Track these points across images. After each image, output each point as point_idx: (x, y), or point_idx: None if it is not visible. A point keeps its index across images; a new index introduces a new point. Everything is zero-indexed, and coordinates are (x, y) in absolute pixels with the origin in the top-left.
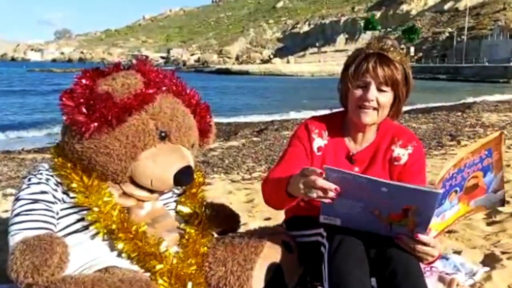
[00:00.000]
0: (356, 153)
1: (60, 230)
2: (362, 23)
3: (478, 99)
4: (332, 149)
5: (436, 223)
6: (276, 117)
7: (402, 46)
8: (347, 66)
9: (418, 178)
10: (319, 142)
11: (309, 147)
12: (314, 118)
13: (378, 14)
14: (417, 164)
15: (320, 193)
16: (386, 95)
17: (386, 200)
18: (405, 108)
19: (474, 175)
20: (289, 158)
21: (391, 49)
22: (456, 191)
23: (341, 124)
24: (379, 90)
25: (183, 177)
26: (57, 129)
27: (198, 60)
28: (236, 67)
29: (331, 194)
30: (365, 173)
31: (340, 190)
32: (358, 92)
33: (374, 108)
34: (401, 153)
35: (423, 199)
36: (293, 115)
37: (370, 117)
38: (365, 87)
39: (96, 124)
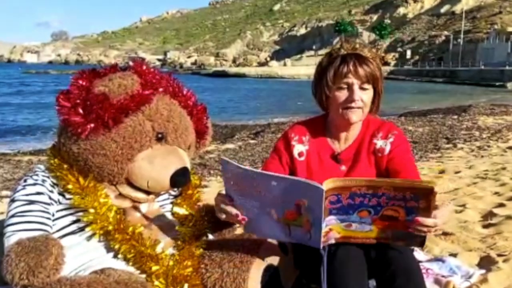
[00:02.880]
0: (341, 152)
1: (56, 232)
2: (337, 24)
3: (474, 102)
4: (316, 152)
5: (339, 226)
6: (273, 119)
7: (399, 49)
8: (322, 70)
9: (405, 162)
10: (299, 148)
11: (288, 156)
12: (295, 124)
13: (375, 17)
14: (401, 149)
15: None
16: (368, 92)
17: (278, 196)
18: (401, 111)
19: (394, 208)
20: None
21: (362, 47)
22: (369, 212)
23: (323, 126)
24: (361, 88)
25: (180, 178)
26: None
27: (195, 63)
28: (233, 69)
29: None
30: (352, 171)
31: (237, 186)
32: (342, 94)
33: (359, 107)
34: (383, 144)
35: (310, 193)
36: (289, 117)
37: (356, 115)
38: (349, 88)
39: (92, 125)
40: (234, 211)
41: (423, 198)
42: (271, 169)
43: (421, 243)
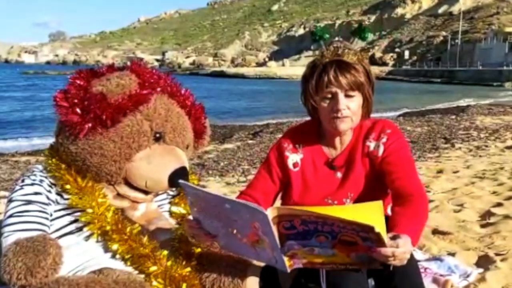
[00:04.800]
0: (335, 158)
1: (54, 232)
2: (312, 34)
3: (472, 103)
4: (311, 160)
5: (301, 251)
6: (271, 119)
7: (397, 49)
8: (306, 81)
9: (399, 162)
10: (294, 158)
11: (279, 169)
12: (288, 132)
13: (372, 17)
14: (394, 148)
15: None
16: (355, 99)
17: (235, 218)
18: (399, 111)
19: (349, 235)
20: (252, 184)
21: (346, 51)
22: (326, 237)
23: (316, 132)
24: (347, 96)
25: (178, 178)
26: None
27: (193, 63)
28: (231, 70)
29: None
30: (347, 177)
31: (200, 208)
32: (327, 104)
33: (347, 116)
34: (376, 145)
35: (258, 217)
36: (288, 117)
37: (345, 124)
38: (333, 98)
39: (90, 124)
40: (202, 233)
41: (371, 232)
42: (260, 182)
43: (388, 265)
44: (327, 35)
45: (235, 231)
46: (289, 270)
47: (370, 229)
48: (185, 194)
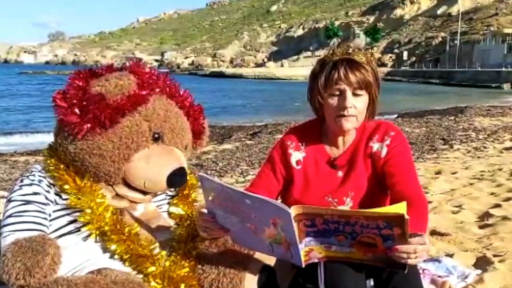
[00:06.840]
0: (337, 158)
1: (53, 232)
2: (327, 30)
3: (470, 104)
4: (313, 159)
5: (319, 247)
6: (270, 120)
7: (396, 50)
8: (315, 77)
9: (400, 164)
10: (297, 155)
11: (283, 167)
12: (291, 130)
13: (371, 18)
14: (397, 151)
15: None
16: (362, 99)
17: (254, 214)
18: (398, 112)
19: (370, 236)
20: (255, 182)
21: (356, 51)
22: (346, 237)
23: (319, 132)
24: (354, 95)
25: (176, 178)
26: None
27: (192, 63)
28: (230, 70)
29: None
30: (349, 176)
31: (217, 201)
32: (334, 101)
33: (353, 115)
34: (379, 147)
35: (281, 214)
36: (287, 118)
37: (350, 123)
38: (340, 95)
39: (89, 125)
40: (217, 227)
41: (396, 226)
42: (263, 181)
43: (403, 267)
44: (341, 34)
45: (252, 226)
46: (304, 265)
47: (399, 218)
48: (202, 187)
